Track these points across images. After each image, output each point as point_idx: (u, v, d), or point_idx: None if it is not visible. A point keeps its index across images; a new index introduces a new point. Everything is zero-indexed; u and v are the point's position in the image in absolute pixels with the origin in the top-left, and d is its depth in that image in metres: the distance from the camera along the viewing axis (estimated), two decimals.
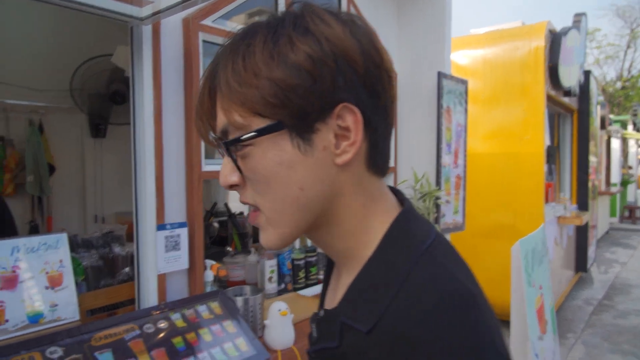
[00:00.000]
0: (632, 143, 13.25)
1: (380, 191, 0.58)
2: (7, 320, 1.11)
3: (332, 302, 0.61)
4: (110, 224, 3.23)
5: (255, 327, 1.46)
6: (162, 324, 1.27)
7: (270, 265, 1.91)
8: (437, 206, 2.16)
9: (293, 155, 0.51)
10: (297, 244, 2.08)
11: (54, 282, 1.21)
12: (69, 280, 1.24)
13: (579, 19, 5.05)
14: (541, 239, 2.40)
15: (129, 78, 3.19)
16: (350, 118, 0.51)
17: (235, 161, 0.53)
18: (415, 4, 2.33)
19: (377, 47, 0.54)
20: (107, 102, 3.28)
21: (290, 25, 0.51)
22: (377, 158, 0.56)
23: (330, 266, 0.68)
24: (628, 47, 25.23)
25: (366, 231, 0.56)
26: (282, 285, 1.98)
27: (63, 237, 1.26)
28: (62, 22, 3.06)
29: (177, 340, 1.25)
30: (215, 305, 1.42)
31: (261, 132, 0.51)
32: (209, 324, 1.35)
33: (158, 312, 1.29)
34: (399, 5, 2.38)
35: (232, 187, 0.56)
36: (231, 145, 0.52)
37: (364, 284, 0.54)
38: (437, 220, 2.16)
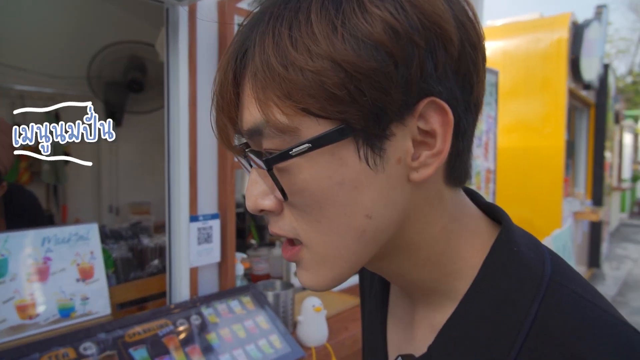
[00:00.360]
0: None
1: (462, 206, 0.45)
2: (38, 314, 1.07)
3: (408, 343, 0.49)
4: (126, 214, 3.21)
5: (286, 323, 1.41)
6: (196, 320, 1.22)
7: None
8: None
9: (359, 171, 0.37)
10: None
11: (85, 275, 1.16)
12: (100, 272, 1.19)
13: (600, 10, 4.93)
14: (570, 235, 2.34)
15: (145, 65, 3.11)
16: (438, 119, 0.37)
17: (274, 179, 0.38)
18: None
19: (473, 18, 0.38)
20: (123, 90, 3.23)
21: None
22: (460, 168, 0.42)
23: (382, 292, 0.55)
24: None
25: (453, 259, 0.44)
26: None
27: (94, 228, 1.22)
28: (80, 8, 3.01)
29: (211, 337, 1.21)
30: (247, 300, 1.37)
31: (317, 144, 0.35)
32: (242, 319, 1.30)
33: (191, 307, 1.25)
34: None
35: (263, 212, 0.41)
36: (273, 164, 0.37)
37: (466, 324, 0.42)
38: None
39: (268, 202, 0.40)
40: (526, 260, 0.41)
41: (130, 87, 3.13)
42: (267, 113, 0.36)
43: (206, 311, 1.27)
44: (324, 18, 0.34)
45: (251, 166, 0.41)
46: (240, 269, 1.46)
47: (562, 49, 3.89)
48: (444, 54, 0.36)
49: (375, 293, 0.55)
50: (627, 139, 10.05)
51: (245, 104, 0.38)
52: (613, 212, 8.45)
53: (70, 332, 1.03)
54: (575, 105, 5.13)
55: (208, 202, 1.35)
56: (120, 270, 1.43)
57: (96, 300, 1.17)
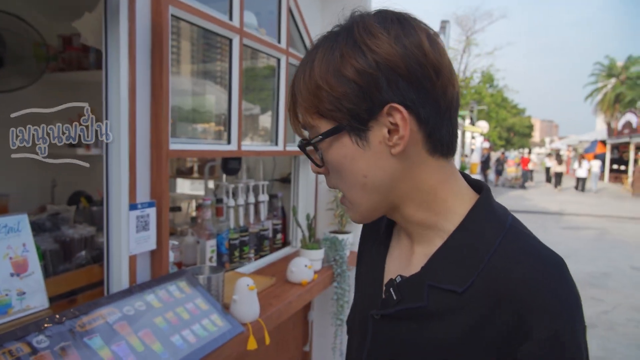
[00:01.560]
0: (467, 135, 15.54)
1: (450, 172, 0.66)
2: None
3: (405, 269, 0.69)
4: None
5: (219, 303, 1.49)
6: (140, 306, 1.24)
7: (211, 245, 1.92)
8: None
9: (354, 150, 0.62)
10: (232, 223, 2.11)
11: (20, 268, 1.09)
12: (35, 265, 1.12)
13: (444, 25, 5.79)
14: None
15: (2, 37, 2.73)
16: (398, 116, 0.58)
17: (317, 154, 0.66)
18: (338, 1, 2.49)
19: (422, 44, 0.58)
20: None
21: (343, 40, 0.60)
22: (437, 144, 0.63)
23: (386, 238, 0.76)
24: (464, 52, 29.29)
25: (444, 207, 0.65)
26: (221, 265, 2.00)
27: (24, 219, 1.14)
28: None
29: (159, 320, 1.24)
30: (183, 284, 1.42)
31: (325, 135, 0.63)
32: (183, 302, 1.35)
33: (133, 294, 1.25)
34: (323, 7, 2.51)
35: (320, 173, 0.69)
36: (306, 147, 0.66)
37: (450, 252, 0.63)
38: None
39: (318, 169, 0.68)
40: (497, 215, 0.64)
41: None
42: (303, 118, 0.65)
43: (148, 297, 1.28)
44: (324, 65, 0.61)
45: (312, 160, 0.68)
46: (172, 256, 1.49)
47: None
48: (395, 75, 0.58)
49: (380, 242, 0.77)
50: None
51: (298, 111, 0.66)
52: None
53: (18, 327, 0.98)
54: None
55: (142, 190, 1.35)
56: (49, 263, 1.33)
57: (33, 294, 1.11)
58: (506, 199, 15.22)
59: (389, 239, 0.76)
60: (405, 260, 0.71)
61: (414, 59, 0.57)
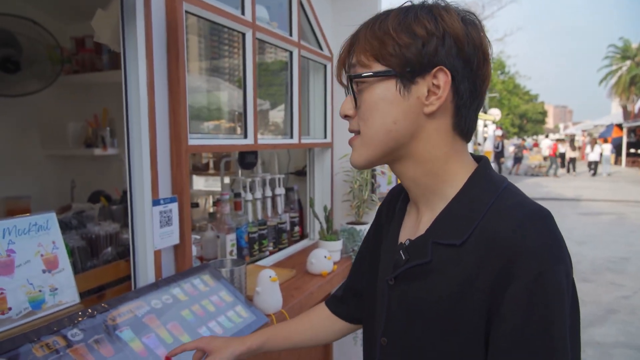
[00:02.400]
0: (480, 123, 15.39)
1: (462, 149, 0.75)
2: (10, 308, 1.01)
3: (413, 235, 0.78)
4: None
5: (243, 295, 1.51)
6: (167, 300, 1.26)
7: (231, 239, 1.94)
8: (374, 177, 2.39)
9: (394, 95, 0.69)
10: (250, 217, 2.13)
11: (51, 265, 1.12)
12: (65, 262, 1.15)
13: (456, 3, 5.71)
14: None
15: (18, 41, 2.78)
16: (443, 78, 0.67)
17: (353, 92, 0.73)
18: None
19: (481, 35, 0.71)
20: None
21: (419, 8, 0.70)
22: (461, 121, 0.72)
23: (400, 213, 0.85)
24: None
25: (449, 174, 0.73)
26: (241, 258, 2.02)
27: (52, 217, 1.16)
28: None
29: (186, 313, 1.26)
30: (207, 277, 1.44)
31: (377, 74, 0.69)
32: (208, 295, 1.37)
33: (160, 287, 1.28)
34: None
35: (346, 117, 0.76)
36: (354, 78, 0.72)
37: (452, 213, 0.71)
38: (373, 189, 2.39)
39: (350, 109, 0.75)
40: (493, 180, 0.73)
41: (3, 66, 2.76)
42: (358, 57, 0.71)
43: (174, 291, 1.31)
44: (396, 19, 0.69)
45: (347, 94, 0.75)
46: (194, 250, 1.51)
47: None
48: (454, 46, 0.67)
49: (396, 220, 0.85)
50: None
51: (353, 54, 0.72)
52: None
53: (53, 321, 1.01)
54: None
55: (164, 185, 1.38)
56: (78, 260, 1.36)
57: (65, 290, 1.13)
58: (522, 186, 15.07)
59: (402, 217, 0.85)
60: (414, 228, 0.79)
61: (471, 41, 0.68)
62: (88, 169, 3.20)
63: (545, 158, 20.78)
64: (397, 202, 0.87)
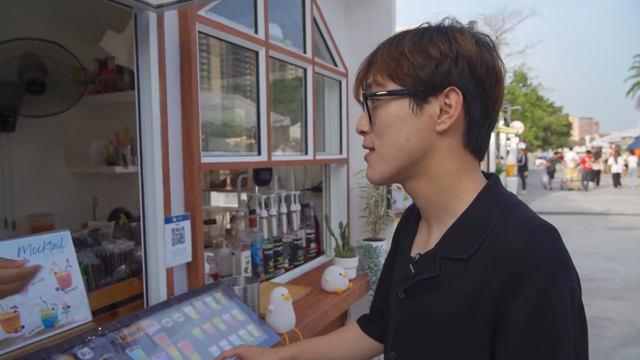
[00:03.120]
0: (502, 136, 15.15)
1: (474, 167, 0.76)
2: (23, 327, 1.02)
3: (424, 249, 0.79)
4: (24, 228, 2.93)
5: (255, 313, 1.50)
6: (179, 318, 1.26)
7: (246, 256, 1.93)
8: (390, 192, 2.36)
9: (408, 113, 0.72)
10: (265, 234, 2.12)
11: (64, 283, 1.13)
12: (78, 280, 1.16)
13: (472, 25, 5.68)
14: None
15: (44, 64, 2.86)
16: (454, 98, 0.70)
17: (369, 110, 0.76)
18: (362, 9, 2.49)
19: (494, 57, 0.73)
20: (18, 92, 2.92)
21: (434, 30, 0.73)
22: (472, 140, 0.73)
23: (414, 228, 0.87)
24: None
25: (460, 190, 0.74)
26: (256, 275, 2.01)
27: (67, 235, 1.18)
28: None
29: (197, 332, 1.25)
30: (219, 295, 1.43)
31: (391, 93, 0.72)
32: (219, 313, 1.36)
33: (171, 306, 1.28)
34: (347, 14, 2.52)
35: (362, 132, 0.78)
36: (370, 96, 0.74)
37: (461, 228, 0.72)
38: (389, 205, 2.36)
39: (365, 126, 0.77)
40: (502, 195, 0.74)
41: (29, 88, 2.86)
42: (375, 76, 0.74)
43: (186, 309, 1.30)
44: (412, 41, 0.71)
45: (363, 110, 0.78)
46: (207, 267, 1.51)
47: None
48: (466, 67, 0.70)
49: (409, 236, 0.87)
50: (491, 137, 11.58)
51: (370, 73, 0.75)
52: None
53: (64, 340, 1.01)
54: None
55: (177, 203, 1.38)
56: (92, 277, 1.37)
57: (77, 308, 1.14)
58: (547, 200, 14.71)
59: (415, 233, 0.87)
60: (425, 243, 0.80)
61: (484, 63, 0.70)
62: (109, 186, 3.27)
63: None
64: (411, 219, 0.90)
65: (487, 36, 0.74)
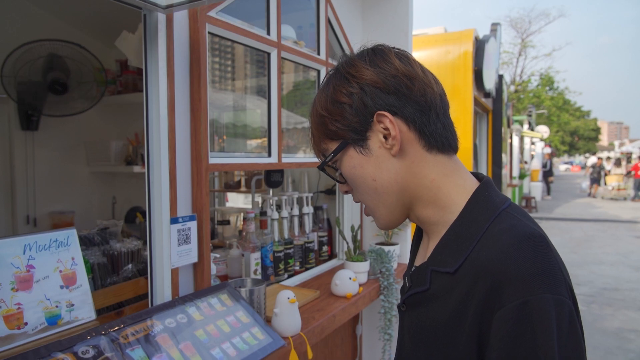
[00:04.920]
0: (526, 140, 14.83)
1: (452, 170, 0.74)
2: (26, 323, 1.03)
3: (421, 261, 0.78)
4: (46, 225, 3.00)
5: (261, 316, 1.48)
6: (182, 319, 1.26)
7: (255, 257, 1.92)
8: None
9: (360, 159, 0.73)
10: (276, 236, 2.11)
11: (69, 281, 1.14)
12: (83, 278, 1.17)
13: (495, 27, 5.59)
14: None
15: (67, 65, 2.93)
16: (386, 120, 0.70)
17: (337, 173, 0.78)
18: (378, 12, 2.46)
19: (393, 62, 0.72)
20: (41, 91, 3.00)
21: (333, 76, 0.76)
22: (430, 139, 0.72)
23: (417, 238, 0.87)
24: (519, 54, 28.13)
25: (446, 201, 0.73)
26: (265, 277, 2.00)
27: (73, 233, 1.19)
28: None
29: (200, 333, 1.25)
30: (225, 297, 1.42)
31: (335, 152, 0.75)
32: (224, 315, 1.35)
33: (175, 306, 1.28)
34: (363, 17, 2.50)
35: (346, 192, 0.80)
36: (323, 165, 0.77)
37: (449, 240, 0.70)
38: None
39: (345, 187, 0.79)
40: (492, 201, 0.71)
41: (52, 88, 2.93)
42: (320, 145, 0.77)
43: (190, 310, 1.30)
44: (323, 97, 0.75)
45: (336, 179, 0.80)
46: (214, 268, 1.51)
47: (469, 60, 4.37)
48: (375, 90, 0.70)
49: (414, 249, 0.87)
50: (515, 141, 11.34)
51: (317, 145, 0.79)
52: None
53: (65, 338, 1.02)
54: (477, 111, 5.74)
55: (184, 203, 1.38)
56: (97, 276, 1.39)
57: (81, 306, 1.15)
58: (572, 206, 14.31)
59: (418, 244, 0.87)
60: (423, 255, 0.80)
61: (387, 74, 0.70)
62: (128, 185, 3.32)
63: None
64: (421, 230, 0.89)
65: (375, 47, 0.75)
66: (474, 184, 0.74)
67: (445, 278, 0.68)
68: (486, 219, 0.68)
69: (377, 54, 0.73)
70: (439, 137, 0.72)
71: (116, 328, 1.11)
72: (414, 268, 0.78)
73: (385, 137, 0.71)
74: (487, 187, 0.73)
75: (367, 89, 0.70)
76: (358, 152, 0.73)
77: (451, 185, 0.73)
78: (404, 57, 0.73)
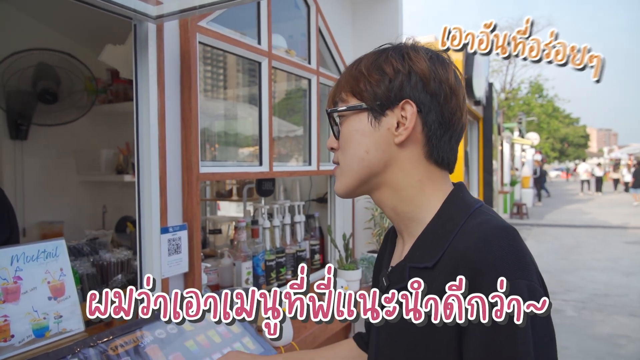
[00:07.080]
0: (517, 147, 14.95)
1: (439, 177, 0.78)
2: (12, 336, 1.02)
3: (397, 262, 0.80)
4: (35, 235, 2.96)
5: (253, 326, 1.48)
6: (172, 329, 1.25)
7: (247, 267, 1.92)
8: None
9: (366, 127, 0.76)
10: (268, 245, 2.11)
11: (57, 292, 1.13)
12: (71, 289, 1.16)
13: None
14: None
15: (57, 75, 2.91)
16: (409, 110, 0.73)
17: (335, 126, 0.80)
18: (368, 21, 2.49)
19: (448, 72, 0.76)
20: (31, 101, 2.98)
21: (391, 50, 0.78)
22: (433, 151, 0.76)
23: (390, 243, 0.90)
24: (509, 62, 28.49)
25: (423, 200, 0.77)
26: (257, 286, 1.99)
27: (61, 244, 1.18)
28: None
29: (190, 344, 1.24)
30: None
31: (350, 108, 0.77)
32: (215, 325, 1.34)
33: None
34: (354, 26, 2.52)
35: (332, 149, 0.82)
36: (332, 112, 0.80)
37: (426, 237, 0.74)
38: None
39: (333, 142, 0.81)
40: (465, 202, 0.76)
41: (42, 97, 2.91)
42: (338, 94, 0.79)
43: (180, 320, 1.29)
44: (370, 60, 0.77)
45: (332, 130, 0.82)
46: (205, 278, 1.50)
47: (459, 69, 4.41)
48: (419, 81, 0.74)
49: (389, 251, 0.89)
50: (506, 148, 11.44)
51: (337, 92, 0.80)
52: (498, 214, 9.57)
53: (53, 350, 1.00)
54: (468, 119, 5.80)
55: (174, 213, 1.38)
56: (87, 287, 1.37)
57: (69, 318, 1.14)
58: (563, 212, 14.43)
59: (393, 246, 0.89)
60: (399, 257, 0.82)
61: (437, 77, 0.74)
62: (119, 194, 3.29)
63: (583, 182, 19.66)
64: (388, 239, 0.92)
65: (442, 54, 0.78)
66: (450, 188, 0.79)
67: (425, 273, 0.70)
68: (462, 217, 0.72)
69: (440, 58, 0.77)
70: (442, 152, 0.76)
71: (105, 339, 1.10)
72: (390, 268, 0.80)
73: (398, 125, 0.74)
74: (462, 189, 0.78)
75: (413, 76, 0.73)
76: (369, 120, 0.75)
77: (434, 189, 0.77)
78: (458, 76, 0.78)
